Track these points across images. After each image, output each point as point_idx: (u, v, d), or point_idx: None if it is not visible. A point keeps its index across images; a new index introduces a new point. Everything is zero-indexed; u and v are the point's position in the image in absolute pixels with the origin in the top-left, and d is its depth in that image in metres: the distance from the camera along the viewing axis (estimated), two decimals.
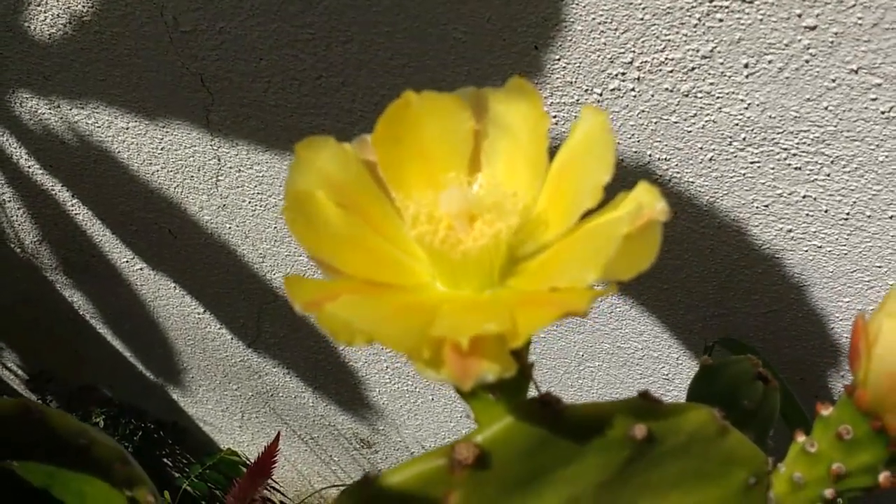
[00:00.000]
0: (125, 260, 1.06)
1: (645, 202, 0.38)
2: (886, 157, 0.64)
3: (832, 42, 0.59)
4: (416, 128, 0.43)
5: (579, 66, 0.67)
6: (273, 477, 0.77)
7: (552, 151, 0.43)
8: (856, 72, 0.60)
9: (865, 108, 0.62)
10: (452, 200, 0.41)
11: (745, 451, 0.47)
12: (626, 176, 0.73)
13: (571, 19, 0.64)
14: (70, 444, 0.52)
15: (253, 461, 0.78)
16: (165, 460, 1.40)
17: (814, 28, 0.58)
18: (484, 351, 0.36)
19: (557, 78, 0.68)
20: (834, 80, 0.61)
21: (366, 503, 0.41)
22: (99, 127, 0.88)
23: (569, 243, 0.40)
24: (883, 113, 0.61)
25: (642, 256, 0.38)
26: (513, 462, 0.42)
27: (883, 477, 0.45)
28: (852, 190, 0.67)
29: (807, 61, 0.61)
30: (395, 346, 0.36)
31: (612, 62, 0.66)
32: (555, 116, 0.70)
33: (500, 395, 0.43)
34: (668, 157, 0.71)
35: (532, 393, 0.46)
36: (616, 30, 0.63)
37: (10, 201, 1.02)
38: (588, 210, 0.40)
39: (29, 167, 0.96)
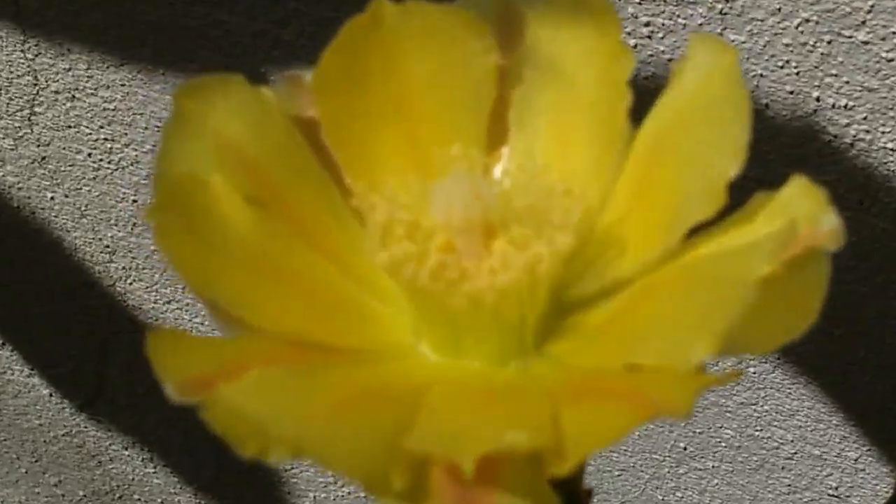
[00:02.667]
0: None
1: (803, 214, 0.39)
2: None
3: None
4: (393, 64, 0.44)
5: None
6: None
7: (638, 112, 0.43)
8: None
9: None
10: (455, 200, 0.41)
11: None
12: (775, 135, 0.74)
13: None
14: None
15: None
16: None
17: None
18: (502, 478, 0.36)
19: None
20: None
21: None
22: None
23: (662, 285, 0.41)
24: None
25: (796, 313, 0.38)
26: None
27: None
28: None
29: None
30: (343, 468, 0.36)
31: None
32: (647, 23, 0.71)
33: None
34: (852, 103, 0.71)
35: None
36: None
37: None
38: (699, 224, 0.41)
39: None
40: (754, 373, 0.89)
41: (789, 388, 0.90)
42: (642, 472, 0.99)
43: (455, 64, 0.44)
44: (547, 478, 0.37)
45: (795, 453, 0.94)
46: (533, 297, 0.41)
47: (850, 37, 0.69)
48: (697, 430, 0.95)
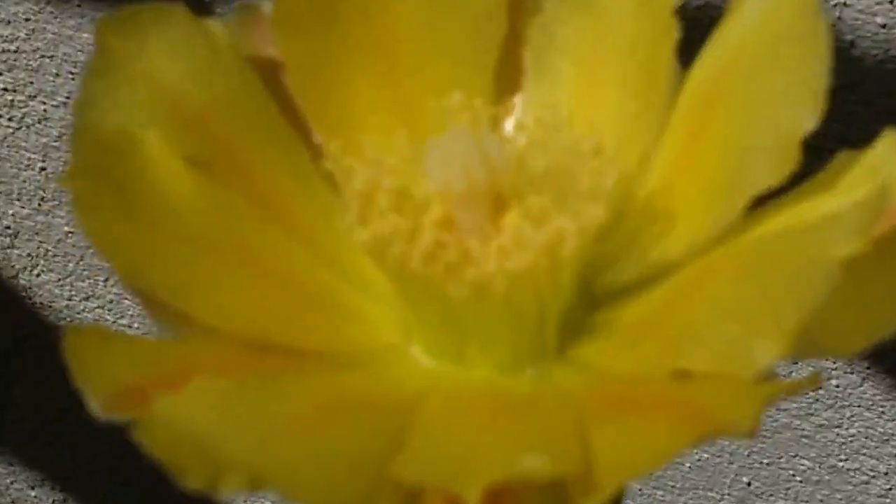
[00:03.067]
0: None
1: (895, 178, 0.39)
2: None
3: None
4: None
5: None
6: None
7: (687, 52, 0.44)
8: None
9: None
10: (455, 161, 0.41)
11: None
12: (855, 96, 0.75)
13: None
14: None
15: None
16: None
17: None
18: None
19: None
20: None
21: None
22: None
23: (718, 270, 0.41)
24: None
25: (888, 305, 0.39)
26: None
27: None
28: None
29: None
30: (313, 501, 0.37)
31: None
32: None
33: None
34: None
35: None
36: None
37: None
38: (765, 193, 0.41)
39: None
40: (837, 386, 0.90)
41: (882, 406, 0.90)
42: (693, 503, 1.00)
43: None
44: None
45: (891, 489, 0.94)
46: (555, 286, 0.41)
47: None
48: (765, 461, 0.96)
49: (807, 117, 0.40)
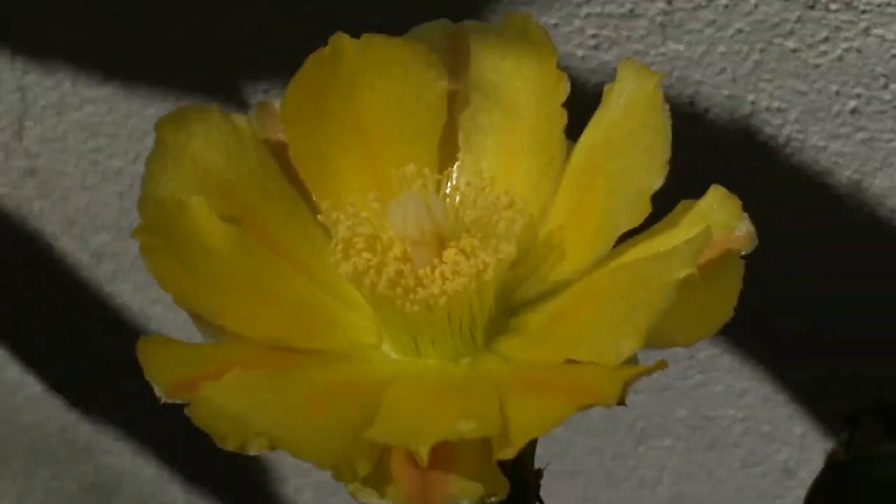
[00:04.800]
0: None
1: (718, 222, 0.41)
2: None
3: None
4: (352, 94, 0.45)
5: None
6: None
7: (584, 117, 0.45)
8: None
9: None
10: (409, 215, 0.43)
11: None
12: (712, 138, 0.75)
13: None
14: None
15: None
16: None
17: None
18: (455, 463, 0.38)
19: None
20: None
21: None
22: None
23: (594, 288, 0.43)
24: None
25: (712, 312, 0.41)
26: None
27: None
28: None
29: None
30: (314, 460, 0.38)
31: None
32: (593, 37, 0.73)
33: None
34: (784, 105, 0.73)
35: None
36: None
37: None
38: (627, 232, 0.43)
39: None
40: (704, 357, 0.91)
41: (738, 371, 0.91)
42: (605, 451, 1.01)
43: (408, 92, 0.45)
44: (496, 462, 0.40)
45: (746, 431, 0.95)
46: (481, 301, 0.43)
47: (781, 45, 0.71)
48: (655, 412, 0.96)
49: (655, 180, 0.42)
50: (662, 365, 0.40)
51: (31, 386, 1.15)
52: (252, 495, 1.19)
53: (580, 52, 0.75)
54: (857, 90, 0.71)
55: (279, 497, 1.18)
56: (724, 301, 0.41)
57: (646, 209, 0.42)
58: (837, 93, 0.72)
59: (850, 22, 0.69)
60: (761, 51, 0.71)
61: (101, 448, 1.19)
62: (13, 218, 0.99)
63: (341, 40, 0.45)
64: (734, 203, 0.42)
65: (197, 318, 0.42)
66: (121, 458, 1.20)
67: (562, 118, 0.45)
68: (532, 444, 0.45)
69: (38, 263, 1.03)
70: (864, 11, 0.68)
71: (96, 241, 1.00)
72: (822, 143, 0.74)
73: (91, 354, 1.11)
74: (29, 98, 0.90)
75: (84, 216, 0.97)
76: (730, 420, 0.96)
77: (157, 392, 0.39)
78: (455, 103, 0.47)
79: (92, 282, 1.03)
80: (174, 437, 1.15)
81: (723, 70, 0.73)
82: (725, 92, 0.74)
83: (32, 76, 0.88)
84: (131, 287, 1.03)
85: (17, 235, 1.00)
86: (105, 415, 1.17)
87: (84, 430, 1.18)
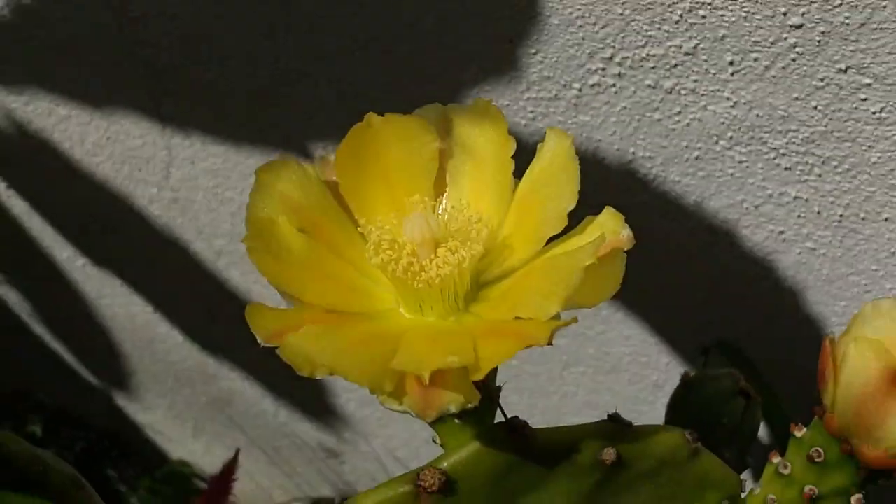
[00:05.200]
0: (66, 256, 1.08)
1: (609, 230, 0.42)
2: (879, 158, 0.67)
3: (819, 41, 0.62)
4: (378, 150, 0.46)
5: (557, 61, 0.69)
6: (233, 494, 0.80)
7: (519, 171, 0.46)
8: (844, 71, 0.63)
9: (855, 108, 0.65)
10: (416, 227, 0.43)
11: (718, 474, 0.50)
12: (604, 182, 0.76)
13: (547, 13, 0.66)
14: (25, 472, 0.55)
15: (209, 476, 0.80)
16: (110, 472, 1.41)
17: (800, 27, 0.62)
18: (446, 382, 0.39)
19: (534, 72, 0.71)
20: (822, 80, 0.64)
21: None
22: (38, 115, 0.90)
23: (532, 271, 0.43)
24: (874, 113, 0.65)
25: (606, 286, 0.42)
26: (479, 488, 0.45)
27: (855, 500, 0.49)
28: (845, 191, 0.70)
29: (794, 60, 0.64)
30: (357, 381, 0.39)
31: (591, 57, 0.68)
32: (531, 112, 0.73)
33: (467, 422, 0.46)
34: (653, 154, 0.73)
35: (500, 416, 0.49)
36: (595, 24, 0.66)
37: None
38: (553, 236, 0.44)
39: None
40: (604, 314, 0.91)
41: (626, 323, 0.92)
42: (541, 375, 1.01)
43: (414, 149, 0.46)
44: (471, 382, 0.40)
45: (632, 361, 0.95)
46: (461, 280, 0.43)
47: (651, 116, 0.71)
48: (572, 350, 0.96)
49: (570, 204, 0.42)
50: (575, 320, 0.40)
51: (176, 337, 1.16)
52: (316, 405, 1.19)
53: (523, 122, 0.75)
54: (699, 144, 0.72)
55: (334, 406, 1.18)
56: (614, 279, 0.42)
57: (564, 222, 0.43)
58: (686, 146, 0.72)
59: (694, 101, 0.69)
60: (638, 120, 0.71)
61: (221, 376, 1.20)
62: (163, 230, 1.00)
63: (372, 117, 0.45)
64: (619, 217, 0.43)
65: (283, 293, 0.43)
66: (234, 383, 1.21)
67: (511, 165, 0.45)
68: (494, 371, 0.45)
69: (179, 259, 1.03)
70: (702, 94, 0.68)
71: (217, 244, 1.00)
72: (677, 179, 0.75)
73: (214, 316, 1.11)
74: (173, 153, 0.90)
75: (209, 228, 0.98)
76: (621, 354, 0.96)
77: (258, 340, 0.40)
78: (444, 156, 0.47)
79: (214, 270, 1.04)
80: (268, 369, 1.15)
81: (614, 132, 0.73)
82: (616, 147, 0.74)
83: (176, 139, 0.89)
84: (239, 273, 1.03)
85: (163, 241, 1.01)
86: (224, 354, 1.18)
87: (210, 365, 1.19)
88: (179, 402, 1.29)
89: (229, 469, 0.71)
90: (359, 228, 0.46)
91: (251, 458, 1.31)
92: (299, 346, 0.39)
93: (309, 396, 1.18)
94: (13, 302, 1.20)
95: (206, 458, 1.38)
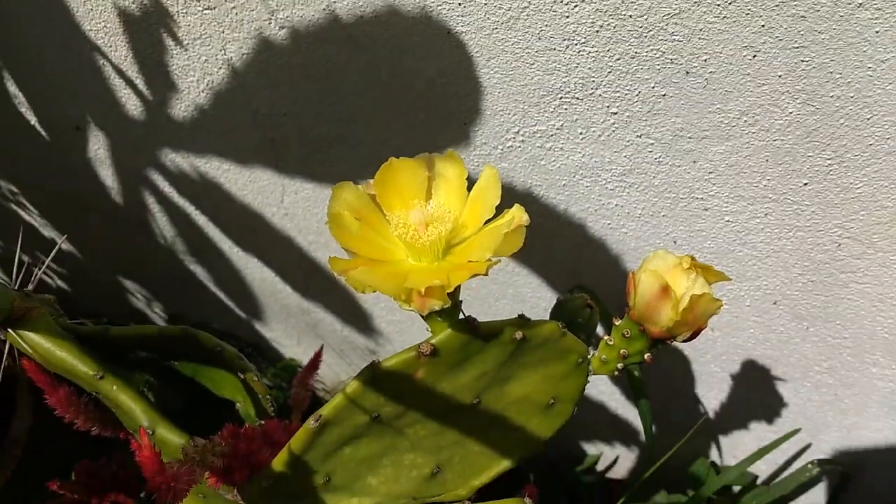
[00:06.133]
0: (227, 246, 1.07)
1: (516, 215, 0.43)
2: (660, 182, 0.68)
3: (626, 120, 0.63)
4: (396, 176, 0.46)
5: (489, 134, 0.69)
6: (318, 373, 0.79)
7: (473, 182, 0.46)
8: (640, 136, 0.64)
9: (646, 157, 0.65)
10: (417, 216, 0.44)
11: (576, 346, 0.52)
12: (516, 196, 0.74)
13: (486, 108, 0.67)
14: (209, 350, 0.56)
15: (306, 364, 0.79)
16: (249, 361, 1.38)
17: (616, 113, 0.63)
18: (433, 294, 0.40)
19: (477, 139, 0.70)
20: (628, 141, 0.64)
21: (371, 376, 0.46)
22: (215, 170, 0.89)
23: (477, 237, 0.44)
24: (656, 159, 0.65)
25: (515, 244, 0.42)
26: (451, 353, 0.46)
27: (647, 357, 0.51)
28: (642, 201, 0.70)
29: (613, 131, 0.64)
30: (387, 293, 0.40)
31: (507, 131, 0.68)
32: (476, 161, 0.73)
33: (444, 318, 0.47)
34: (541, 183, 0.72)
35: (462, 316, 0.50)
36: (509, 113, 0.66)
37: (160, 214, 1.02)
38: (488, 219, 0.44)
39: (171, 194, 0.97)
40: (518, 271, 0.89)
41: (528, 276, 0.89)
42: (483, 304, 0.97)
43: (415, 177, 0.46)
44: (446, 293, 0.41)
45: (532, 297, 0.92)
46: (441, 243, 0.43)
47: (539, 162, 0.70)
48: (500, 291, 0.94)
49: (495, 202, 0.43)
50: (497, 262, 0.41)
51: (288, 290, 1.13)
52: (364, 325, 1.16)
53: (471, 167, 0.73)
54: (565, 177, 0.71)
55: (373, 325, 1.15)
56: (519, 241, 0.42)
57: (493, 212, 0.44)
58: (558, 178, 0.71)
59: (562, 154, 0.68)
60: (533, 164, 0.71)
61: (311, 311, 1.16)
62: (280, 231, 0.98)
63: (392, 160, 0.46)
64: (522, 209, 0.43)
65: (347, 251, 0.43)
66: (318, 314, 1.16)
67: (465, 183, 0.46)
68: (458, 293, 0.46)
69: (287, 247, 1.00)
70: (565, 150, 0.67)
71: (310, 237, 0.98)
72: (553, 195, 0.73)
73: (308, 278, 1.08)
74: (285, 188, 0.89)
75: (305, 229, 0.96)
76: (526, 293, 0.92)
77: (335, 273, 0.40)
78: (430, 180, 0.47)
79: (307, 253, 1.01)
80: (337, 307, 1.13)
81: (521, 172, 0.72)
82: (521, 179, 0.73)
83: (286, 180, 0.88)
84: (321, 255, 1.00)
85: (280, 238, 0.99)
86: (313, 299, 1.14)
87: (306, 304, 1.15)
88: (289, 325, 1.24)
89: (316, 356, 0.71)
90: (386, 218, 0.46)
91: (329, 355, 1.26)
92: (357, 276, 0.40)
93: (362, 322, 1.15)
94: (201, 274, 1.18)
95: (304, 357, 1.33)
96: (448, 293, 0.41)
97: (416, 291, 0.40)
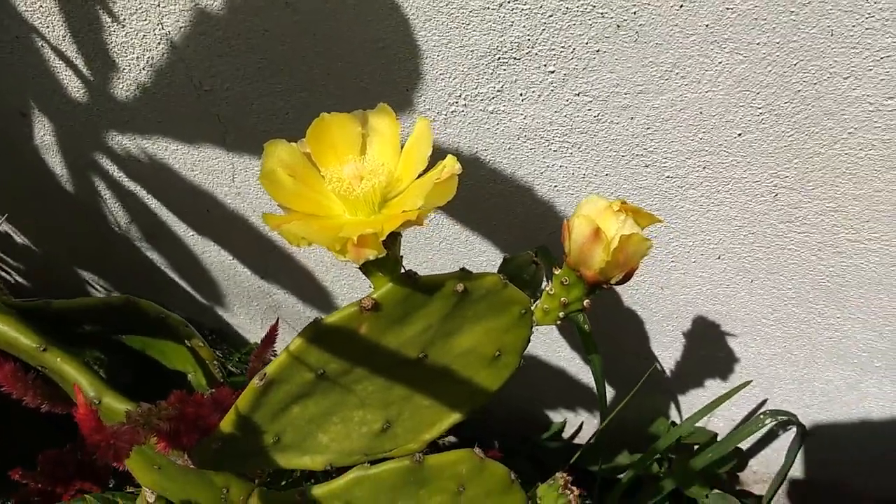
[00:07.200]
0: (182, 230, 1.05)
1: (448, 165, 0.43)
2: (601, 140, 0.68)
3: (563, 78, 0.63)
4: (329, 132, 0.46)
5: (432, 99, 0.68)
6: (276, 349, 0.79)
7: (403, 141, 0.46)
8: (578, 95, 0.64)
9: (585, 115, 0.65)
10: (350, 169, 0.44)
11: (519, 297, 0.52)
12: (462, 158, 0.73)
13: (426, 72, 0.66)
14: (154, 318, 0.55)
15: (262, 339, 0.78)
16: (216, 351, 1.38)
17: (553, 72, 0.63)
18: (367, 243, 0.40)
19: (420, 105, 0.70)
20: (567, 100, 0.64)
21: (314, 333, 0.46)
22: (163, 151, 0.88)
23: (411, 188, 0.44)
24: (595, 117, 0.65)
25: (447, 193, 0.42)
26: (393, 307, 0.46)
27: (586, 303, 0.52)
28: (585, 160, 0.70)
29: (552, 91, 0.64)
30: (322, 244, 0.40)
31: (450, 95, 0.68)
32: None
33: (385, 272, 0.46)
34: (486, 147, 0.72)
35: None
36: (449, 77, 0.66)
37: (109, 199, 1.00)
38: (422, 171, 0.44)
39: (121, 179, 0.95)
40: (471, 239, 0.88)
41: (482, 242, 0.88)
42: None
43: (349, 131, 0.46)
44: (380, 243, 0.41)
45: (483, 251, 0.90)
46: (375, 196, 0.43)
47: (483, 125, 0.69)
48: (450, 256, 0.92)
49: (427, 153, 0.43)
50: (429, 210, 0.41)
51: (246, 272, 1.11)
52: (320, 302, 1.15)
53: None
54: (508, 141, 0.70)
55: (332, 293, 1.13)
56: (452, 189, 0.42)
57: (426, 163, 0.44)
58: (503, 142, 0.71)
59: (505, 117, 0.67)
60: (477, 129, 0.70)
61: (272, 293, 1.16)
62: (234, 211, 0.96)
63: (322, 115, 0.45)
64: (454, 158, 0.43)
65: (283, 207, 0.43)
66: (279, 296, 1.16)
67: (399, 136, 0.46)
68: (397, 242, 0.46)
69: (241, 227, 0.98)
70: (507, 113, 0.67)
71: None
72: (500, 160, 0.73)
73: (266, 259, 1.05)
74: (235, 166, 0.88)
75: (259, 208, 0.94)
76: (481, 257, 0.91)
77: (269, 228, 0.39)
78: (364, 136, 0.46)
79: (263, 233, 1.00)
80: (295, 289, 1.11)
81: (465, 136, 0.71)
82: (467, 144, 0.72)
83: (236, 157, 0.86)
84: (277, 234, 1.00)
85: (234, 217, 0.96)
86: (273, 280, 1.13)
87: (266, 286, 1.15)
88: (252, 309, 1.24)
89: (271, 332, 0.70)
90: (321, 173, 0.45)
91: (291, 335, 1.26)
92: (291, 229, 0.40)
93: (320, 300, 1.13)
94: (155, 259, 1.16)
95: None
96: (386, 245, 0.41)
97: (351, 241, 0.40)
